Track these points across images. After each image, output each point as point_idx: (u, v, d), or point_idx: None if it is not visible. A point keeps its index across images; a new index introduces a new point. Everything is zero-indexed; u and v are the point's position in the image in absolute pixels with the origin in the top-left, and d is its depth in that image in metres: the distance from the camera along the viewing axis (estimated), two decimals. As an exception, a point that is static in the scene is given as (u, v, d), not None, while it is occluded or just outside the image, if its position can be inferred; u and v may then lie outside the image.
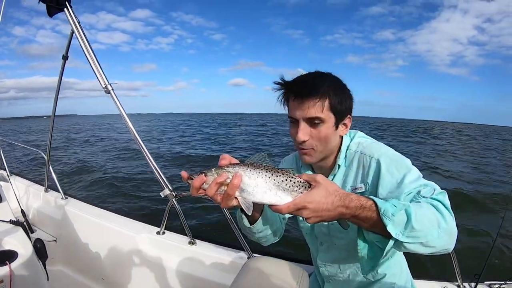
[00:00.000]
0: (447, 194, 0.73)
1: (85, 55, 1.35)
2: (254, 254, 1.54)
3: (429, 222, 0.64)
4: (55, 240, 2.16)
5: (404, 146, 14.40)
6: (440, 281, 1.40)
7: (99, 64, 1.37)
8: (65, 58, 1.73)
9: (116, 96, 1.40)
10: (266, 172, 0.64)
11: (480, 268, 1.31)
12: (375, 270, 0.71)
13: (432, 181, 0.78)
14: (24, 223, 2.20)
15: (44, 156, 2.21)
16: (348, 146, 0.98)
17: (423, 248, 0.65)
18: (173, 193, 1.53)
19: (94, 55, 1.36)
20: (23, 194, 2.40)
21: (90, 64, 1.35)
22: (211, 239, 1.73)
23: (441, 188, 0.75)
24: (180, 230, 1.76)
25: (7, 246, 1.12)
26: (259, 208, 0.90)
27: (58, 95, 1.94)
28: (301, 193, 0.64)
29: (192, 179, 0.64)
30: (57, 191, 2.25)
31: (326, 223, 0.93)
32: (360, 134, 1.02)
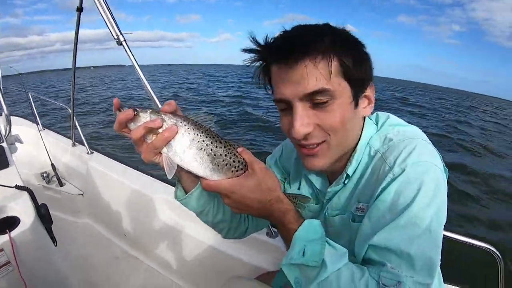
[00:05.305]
0: None
1: (94, 2, 1.17)
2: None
3: None
4: (82, 194, 2.19)
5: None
6: None
7: (110, 13, 1.17)
8: (79, 9, 1.54)
9: (129, 48, 1.20)
10: (206, 137, 0.54)
11: None
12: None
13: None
14: (54, 177, 2.27)
15: (69, 110, 2.18)
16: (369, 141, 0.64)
17: None
18: None
19: (105, 3, 1.17)
20: (53, 148, 2.45)
21: (100, 13, 1.16)
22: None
23: None
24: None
25: (10, 213, 1.05)
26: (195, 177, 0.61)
27: (76, 49, 1.84)
28: (235, 175, 0.56)
29: (120, 111, 0.51)
30: (84, 145, 2.25)
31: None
32: (393, 119, 0.67)
